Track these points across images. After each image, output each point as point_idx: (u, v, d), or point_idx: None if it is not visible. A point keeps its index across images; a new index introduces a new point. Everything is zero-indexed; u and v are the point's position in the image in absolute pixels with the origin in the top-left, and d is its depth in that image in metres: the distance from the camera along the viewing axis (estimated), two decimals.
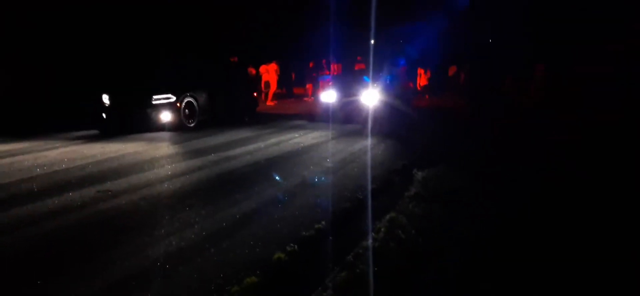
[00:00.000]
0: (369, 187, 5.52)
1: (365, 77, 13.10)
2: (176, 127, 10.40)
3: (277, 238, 3.96)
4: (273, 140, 9.06)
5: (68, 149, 8.09)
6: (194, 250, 3.73)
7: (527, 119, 11.44)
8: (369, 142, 8.80)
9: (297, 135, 9.70)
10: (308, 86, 19.16)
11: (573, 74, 13.30)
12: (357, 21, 19.68)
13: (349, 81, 13.41)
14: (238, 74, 14.11)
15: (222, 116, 11.66)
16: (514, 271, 3.15)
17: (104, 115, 10.38)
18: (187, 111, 10.70)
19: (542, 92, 14.44)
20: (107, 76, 11.66)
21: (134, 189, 5.47)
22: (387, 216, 4.14)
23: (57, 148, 8.21)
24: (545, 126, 10.17)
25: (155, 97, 10.29)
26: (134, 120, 10.20)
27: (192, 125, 10.70)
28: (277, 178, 6.13)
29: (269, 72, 17.25)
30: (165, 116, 10.28)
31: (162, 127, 10.27)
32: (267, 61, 17.44)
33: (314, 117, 12.64)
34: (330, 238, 4.01)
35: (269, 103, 17.03)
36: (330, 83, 14.14)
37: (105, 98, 10.44)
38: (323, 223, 4.28)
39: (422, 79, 18.48)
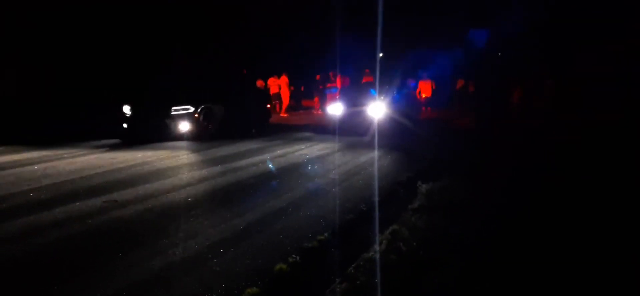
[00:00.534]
0: (373, 199, 5.52)
1: (371, 90, 13.15)
2: (194, 137, 10.78)
3: (279, 249, 3.98)
4: (279, 152, 9.11)
5: (92, 156, 8.48)
6: (196, 260, 3.76)
7: (532, 125, 11.40)
8: (375, 154, 8.81)
9: (303, 147, 9.74)
10: (316, 98, 19.27)
11: (574, 74, 13.24)
12: (365, 34, 19.80)
13: (356, 94, 13.47)
14: (252, 86, 14.71)
15: (237, 126, 12.01)
16: (515, 282, 3.14)
17: (125, 125, 10.84)
18: (204, 121, 11.09)
19: (549, 106, 14.38)
20: (128, 87, 12.18)
21: (142, 199, 5.53)
22: (390, 228, 4.14)
23: (84, 155, 8.65)
24: (549, 130, 10.12)
25: (174, 108, 10.76)
26: (153, 130, 10.69)
27: (208, 134, 11.03)
28: (281, 189, 6.16)
29: (281, 85, 17.43)
30: (184, 126, 10.74)
31: (180, 137, 10.71)
32: (276, 73, 17.60)
33: (320, 129, 12.69)
34: (333, 249, 4.03)
35: (283, 115, 17.19)
36: (338, 95, 14.21)
37: (126, 109, 10.91)
38: (326, 234, 4.29)
39: (424, 91, 18.47)
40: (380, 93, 12.92)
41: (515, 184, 5.97)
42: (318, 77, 18.79)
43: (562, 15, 15.11)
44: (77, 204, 5.32)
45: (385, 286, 3.09)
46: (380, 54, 19.46)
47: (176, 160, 8.28)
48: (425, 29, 22.39)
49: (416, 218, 4.44)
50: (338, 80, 18.26)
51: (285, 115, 17.27)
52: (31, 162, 8.06)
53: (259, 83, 16.68)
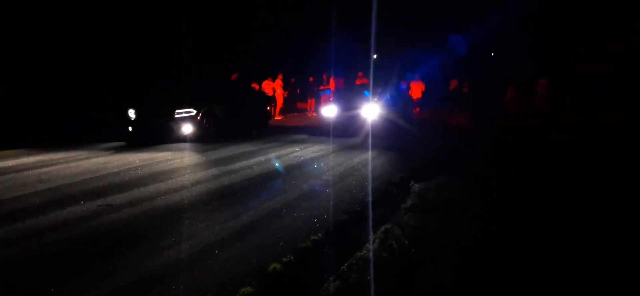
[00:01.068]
0: (367, 199, 5.59)
1: (365, 92, 13.21)
2: (196, 139, 11.08)
3: (273, 250, 4.03)
4: (273, 154, 9.16)
5: (101, 159, 8.68)
6: (192, 261, 3.81)
7: (526, 123, 11.50)
8: (369, 155, 8.88)
9: (297, 149, 9.79)
10: (310, 100, 19.32)
11: (573, 74, 13.36)
12: (359, 35, 19.89)
13: (349, 96, 13.53)
14: (251, 89, 15.02)
15: (238, 127, 12.32)
16: (506, 281, 3.20)
17: (130, 128, 11.09)
18: (206, 123, 11.37)
19: (544, 103, 14.50)
20: (133, 91, 12.45)
21: (138, 201, 5.57)
22: (382, 228, 4.21)
23: (90, 158, 8.84)
24: (543, 129, 10.22)
25: (177, 111, 11.05)
26: (157, 132, 10.98)
27: (209, 136, 11.28)
28: (276, 191, 6.21)
29: (276, 88, 17.48)
30: (187, 128, 11.06)
31: (183, 139, 11.03)
32: (270, 76, 17.63)
33: (315, 131, 12.75)
34: (326, 249, 4.09)
35: (277, 118, 17.23)
36: (332, 97, 14.28)
37: (131, 112, 11.15)
38: (319, 234, 4.35)
39: (414, 92, 18.56)
40: (374, 94, 12.98)
41: (508, 183, 6.06)
42: (312, 79, 18.85)
43: (558, 13, 15.24)
44: (79, 206, 5.35)
45: (377, 284, 3.15)
46: (374, 56, 19.57)
47: (175, 163, 8.31)
48: (418, 30, 22.53)
49: (408, 217, 4.50)
50: (332, 82, 18.34)
51: (279, 117, 17.32)
52: (39, 165, 8.14)
53: (253, 86, 16.74)
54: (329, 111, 13.07)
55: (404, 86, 15.26)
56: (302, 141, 11.05)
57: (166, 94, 11.88)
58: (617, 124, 9.21)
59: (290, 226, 4.69)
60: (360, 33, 19.51)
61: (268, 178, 7.08)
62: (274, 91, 17.54)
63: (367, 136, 11.03)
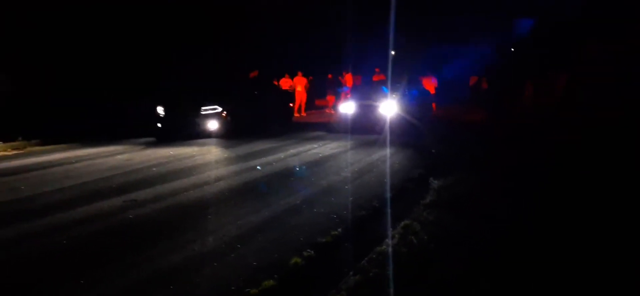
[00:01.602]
0: (385, 196, 5.63)
1: (384, 88, 13.19)
2: (221, 134, 11.43)
3: (294, 244, 4.10)
4: (293, 151, 9.25)
5: (128, 155, 9.12)
6: (214, 255, 3.91)
7: (543, 122, 11.35)
8: (386, 152, 8.90)
9: (316, 145, 9.87)
10: (329, 97, 19.35)
11: (587, 70, 13.09)
12: (377, 32, 19.84)
13: (367, 92, 13.52)
14: (273, 88, 15.40)
15: (260, 124, 12.64)
16: (521, 275, 3.22)
17: (159, 124, 11.59)
18: (230, 119, 11.72)
19: (560, 102, 14.23)
20: (162, 89, 13.08)
21: (161, 197, 5.71)
22: (402, 223, 4.24)
23: (123, 152, 9.36)
24: (561, 127, 10.08)
25: (203, 108, 11.36)
26: (184, 128, 11.38)
27: (234, 132, 11.59)
28: (295, 187, 6.29)
29: (296, 85, 17.61)
30: (212, 125, 11.43)
31: (209, 135, 11.38)
32: (286, 73, 17.73)
33: (333, 128, 12.80)
34: (346, 244, 4.15)
35: (301, 114, 17.39)
36: (349, 94, 14.29)
37: (160, 110, 11.70)
38: (339, 230, 4.41)
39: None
40: (392, 91, 12.94)
41: (525, 180, 6.02)
42: (330, 76, 18.87)
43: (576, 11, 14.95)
44: (105, 201, 5.52)
45: (397, 278, 3.20)
46: (392, 52, 19.48)
47: (199, 159, 8.55)
48: (437, 28, 22.36)
49: (428, 213, 4.53)
50: (348, 78, 18.32)
51: (303, 114, 17.46)
52: (79, 159, 8.71)
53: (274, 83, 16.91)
54: (347, 107, 13.09)
55: (415, 92, 15.06)
56: (321, 138, 11.12)
57: (193, 92, 12.36)
58: (619, 123, 9.02)
59: (309, 221, 4.76)
60: (379, 29, 19.46)
61: (287, 174, 7.17)
62: (293, 89, 17.64)
63: (384, 132, 11.04)
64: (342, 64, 18.70)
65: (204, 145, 10.33)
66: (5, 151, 10.03)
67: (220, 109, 11.57)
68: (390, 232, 4.12)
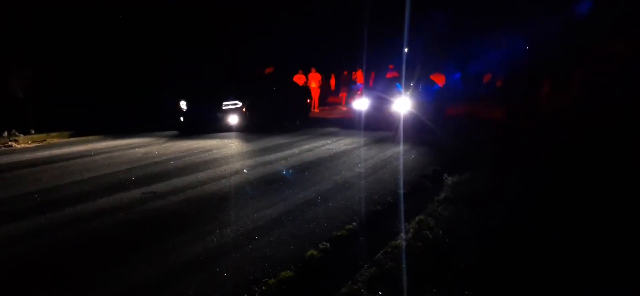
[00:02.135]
0: (400, 191, 5.68)
1: (397, 85, 13.19)
2: (241, 129, 11.81)
3: (310, 237, 4.19)
4: (306, 146, 9.33)
5: (151, 148, 9.49)
6: (233, 246, 4.01)
7: (559, 120, 11.25)
8: (400, 148, 8.93)
9: (329, 141, 9.94)
10: (342, 94, 19.40)
11: (594, 72, 12.92)
12: (392, 28, 19.81)
13: (381, 89, 13.54)
14: (291, 84, 15.78)
15: (278, 119, 12.98)
16: (535, 270, 3.25)
17: (181, 119, 11.99)
18: (250, 114, 12.05)
19: (577, 99, 14.07)
20: (185, 84, 13.45)
21: (179, 190, 5.84)
22: (416, 218, 4.29)
23: (146, 145, 9.82)
24: (576, 124, 9.99)
25: (225, 103, 11.85)
26: (206, 122, 11.87)
27: (253, 126, 11.97)
28: (310, 181, 6.36)
29: (311, 81, 17.73)
30: (233, 119, 11.83)
31: (229, 128, 11.81)
32: (300, 69, 17.82)
33: (346, 124, 12.86)
34: (361, 238, 4.21)
35: (316, 110, 17.53)
36: (362, 91, 14.32)
37: (183, 104, 12.13)
38: (354, 224, 4.48)
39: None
40: (406, 88, 12.94)
41: (540, 177, 6.01)
42: (345, 73, 18.92)
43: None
44: (125, 193, 5.66)
45: (412, 271, 3.26)
46: (405, 49, 19.44)
47: (217, 153, 8.71)
48: (452, 26, 22.23)
49: (442, 208, 4.57)
50: (360, 75, 18.34)
51: (316, 111, 17.59)
52: (126, 147, 9.48)
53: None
54: (360, 104, 13.13)
55: (430, 89, 15.01)
56: (334, 134, 11.19)
57: (214, 88, 12.78)
58: (618, 124, 8.89)
59: (325, 215, 4.84)
60: (393, 26, 19.43)
61: (302, 168, 7.25)
62: (307, 85, 17.74)
63: (398, 129, 11.06)
64: (357, 61, 18.73)
65: (224, 138, 10.74)
66: (32, 142, 10.54)
67: (240, 104, 11.90)
68: (404, 227, 4.18)
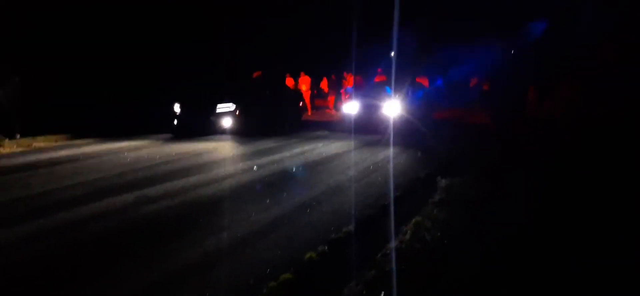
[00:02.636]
0: (393, 194, 5.70)
1: (387, 88, 13.27)
2: (234, 132, 11.86)
3: (307, 240, 4.18)
4: (298, 150, 9.33)
5: (143, 151, 9.49)
6: (230, 250, 3.99)
7: (547, 125, 11.43)
8: (390, 152, 8.98)
9: (320, 145, 9.95)
10: (330, 98, 19.44)
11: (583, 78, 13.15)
12: (380, 32, 19.92)
13: (370, 93, 13.60)
14: (284, 87, 16.00)
15: (272, 122, 12.92)
16: (532, 274, 3.30)
17: (175, 122, 12.09)
18: (243, 117, 12.14)
19: (565, 104, 14.30)
20: (178, 88, 13.54)
21: (173, 194, 5.79)
22: (413, 221, 4.32)
23: (140, 148, 9.85)
24: (564, 128, 10.15)
25: (218, 106, 11.97)
26: (199, 125, 11.96)
27: (246, 129, 11.98)
28: (303, 185, 6.37)
29: (304, 85, 17.77)
30: (226, 122, 11.91)
31: (222, 131, 11.86)
32: (288, 73, 17.86)
33: (335, 128, 12.89)
34: (359, 240, 4.23)
35: (309, 113, 17.56)
36: (352, 95, 14.38)
37: (177, 107, 12.23)
38: (350, 227, 4.49)
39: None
40: (395, 92, 13.01)
41: (529, 182, 6.09)
42: (333, 77, 18.98)
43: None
44: (117, 197, 5.59)
45: (412, 273, 3.28)
46: (392, 53, 19.56)
47: (209, 156, 8.77)
48: (443, 30, 22.42)
49: (438, 210, 4.61)
50: (350, 79, 18.41)
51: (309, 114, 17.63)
52: (116, 151, 9.43)
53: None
54: (350, 108, 13.17)
55: (420, 93, 15.14)
56: (325, 138, 11.21)
57: (208, 91, 12.82)
58: (618, 124, 9.07)
59: (320, 218, 4.84)
60: (382, 30, 19.54)
61: (295, 173, 7.25)
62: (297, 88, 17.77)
63: (387, 133, 11.12)
64: (345, 65, 18.80)
65: (218, 141, 10.84)
66: (17, 147, 10.39)
67: (233, 107, 11.98)
68: (401, 229, 4.20)
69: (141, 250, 4.02)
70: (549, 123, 12.74)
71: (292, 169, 7.52)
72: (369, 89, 14.52)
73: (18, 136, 11.07)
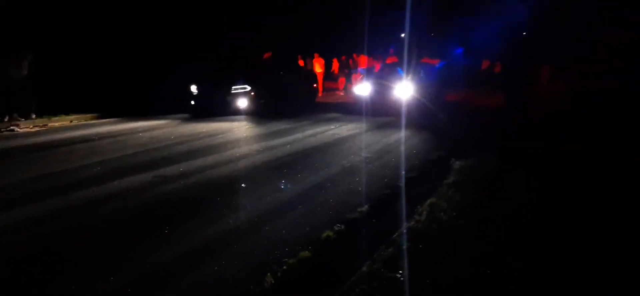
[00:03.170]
0: (408, 175, 5.74)
1: (399, 70, 13.19)
2: (249, 112, 12.09)
3: (323, 220, 4.24)
4: (310, 131, 9.36)
5: (161, 131, 9.74)
6: (248, 229, 4.07)
7: (559, 108, 11.34)
8: (403, 134, 8.97)
9: (332, 127, 9.97)
10: (340, 79, 19.37)
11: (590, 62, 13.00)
12: (392, 14, 19.74)
13: (382, 74, 13.54)
14: (298, 69, 16.09)
15: (286, 103, 13.01)
16: (546, 250, 3.33)
17: (192, 102, 12.34)
18: (258, 98, 12.33)
19: (573, 87, 14.16)
20: (195, 69, 13.68)
21: (189, 173, 5.88)
22: (428, 201, 4.36)
23: (158, 128, 10.13)
24: (577, 110, 10.08)
25: (234, 87, 12.18)
26: (215, 105, 12.17)
27: (261, 110, 12.20)
28: (317, 166, 6.41)
29: (318, 66, 17.75)
30: (242, 103, 12.16)
31: (237, 112, 12.12)
32: (299, 54, 17.80)
33: (347, 109, 12.87)
34: (374, 220, 4.28)
35: (320, 95, 17.56)
36: (363, 76, 14.33)
37: (194, 88, 12.45)
38: (366, 207, 4.54)
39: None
40: (407, 73, 12.93)
41: (543, 162, 6.08)
42: (343, 57, 18.89)
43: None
44: (135, 176, 5.69)
45: (430, 252, 3.32)
46: (402, 34, 19.39)
47: (224, 137, 8.89)
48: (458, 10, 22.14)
49: (452, 192, 4.63)
50: (363, 60, 18.31)
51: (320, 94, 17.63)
52: (132, 131, 9.66)
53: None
54: (362, 89, 13.14)
55: (433, 70, 15.03)
56: (337, 119, 11.22)
57: (224, 72, 13.06)
58: (618, 120, 8.99)
59: (335, 198, 4.89)
60: (394, 11, 19.36)
61: (309, 153, 7.29)
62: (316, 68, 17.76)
63: (399, 114, 11.09)
64: (357, 46, 18.69)
65: (233, 122, 11.04)
66: (33, 127, 10.53)
67: (248, 88, 12.17)
68: (417, 209, 4.24)
69: (161, 227, 4.10)
70: (560, 101, 12.64)
71: (307, 150, 7.56)
72: (381, 70, 14.46)
73: (33, 116, 11.21)
